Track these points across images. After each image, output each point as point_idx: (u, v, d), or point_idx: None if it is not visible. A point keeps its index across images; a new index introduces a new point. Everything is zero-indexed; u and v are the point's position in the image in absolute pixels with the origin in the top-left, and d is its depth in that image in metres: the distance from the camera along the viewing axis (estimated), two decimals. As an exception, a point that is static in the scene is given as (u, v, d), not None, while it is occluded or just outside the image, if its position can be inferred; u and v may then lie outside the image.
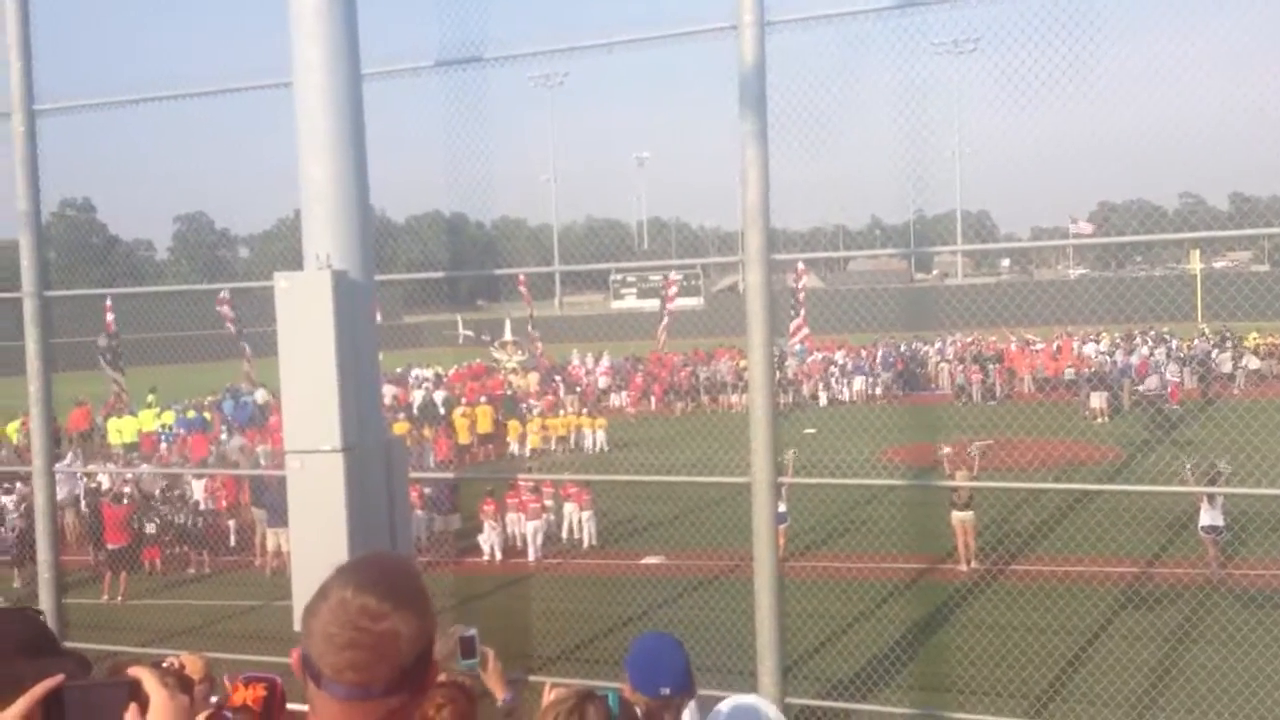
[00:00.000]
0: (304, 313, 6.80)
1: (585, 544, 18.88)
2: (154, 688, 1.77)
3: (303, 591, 7.11)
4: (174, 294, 22.69)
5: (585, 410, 31.99)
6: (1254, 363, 35.08)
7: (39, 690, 1.75)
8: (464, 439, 27.25)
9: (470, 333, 49.11)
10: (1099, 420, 28.33)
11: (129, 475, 19.70)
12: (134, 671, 1.78)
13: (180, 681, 3.14)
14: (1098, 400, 28.97)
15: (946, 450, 18.56)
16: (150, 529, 17.88)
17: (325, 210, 7.05)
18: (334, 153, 6.99)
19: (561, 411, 31.81)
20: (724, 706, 3.65)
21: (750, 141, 7.58)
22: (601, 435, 29.08)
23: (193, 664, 4.28)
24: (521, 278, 15.62)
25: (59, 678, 1.77)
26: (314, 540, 6.81)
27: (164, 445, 27.73)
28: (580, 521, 19.03)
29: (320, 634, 1.77)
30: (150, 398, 31.81)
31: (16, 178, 9.41)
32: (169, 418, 30.30)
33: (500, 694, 3.96)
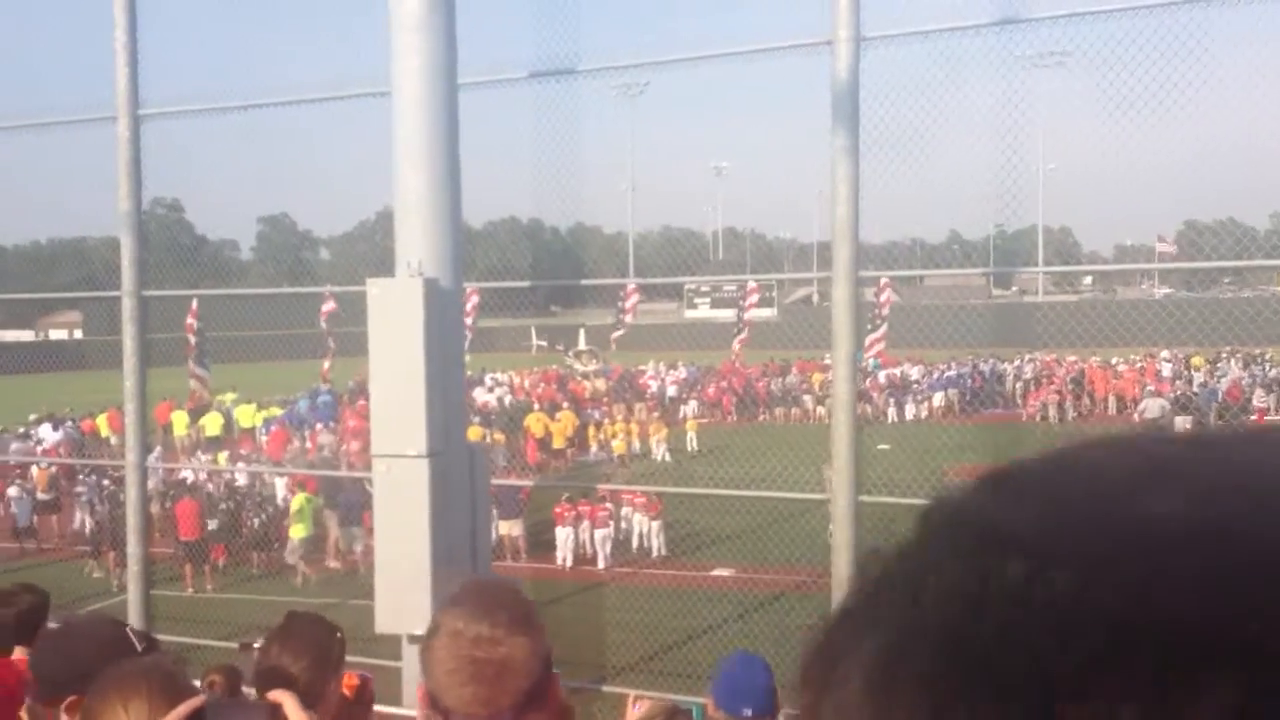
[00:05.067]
0: (395, 319, 6.90)
1: (655, 554, 18.89)
2: (294, 711, 1.81)
3: (385, 592, 7.23)
4: (255, 294, 23.22)
5: (656, 417, 32.05)
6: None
7: (182, 710, 1.80)
8: (558, 443, 27.54)
9: (544, 342, 49.32)
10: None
11: (206, 471, 20.19)
12: (275, 696, 1.81)
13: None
14: (1182, 424, 28.24)
15: None
16: (212, 525, 18.12)
17: (418, 218, 7.16)
18: (429, 162, 7.10)
19: (623, 419, 31.90)
20: None
21: (841, 158, 7.54)
22: (663, 446, 28.91)
23: None
24: (631, 287, 15.68)
25: (200, 699, 1.82)
26: (397, 543, 6.91)
27: (264, 440, 28.44)
28: (650, 531, 19.04)
29: (440, 671, 1.83)
30: (231, 395, 32.54)
31: (120, 180, 9.70)
32: (273, 412, 31.09)
33: None
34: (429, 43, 7.06)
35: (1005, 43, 7.96)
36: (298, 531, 17.98)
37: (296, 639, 3.16)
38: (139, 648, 2.23)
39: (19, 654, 3.95)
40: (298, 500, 18.21)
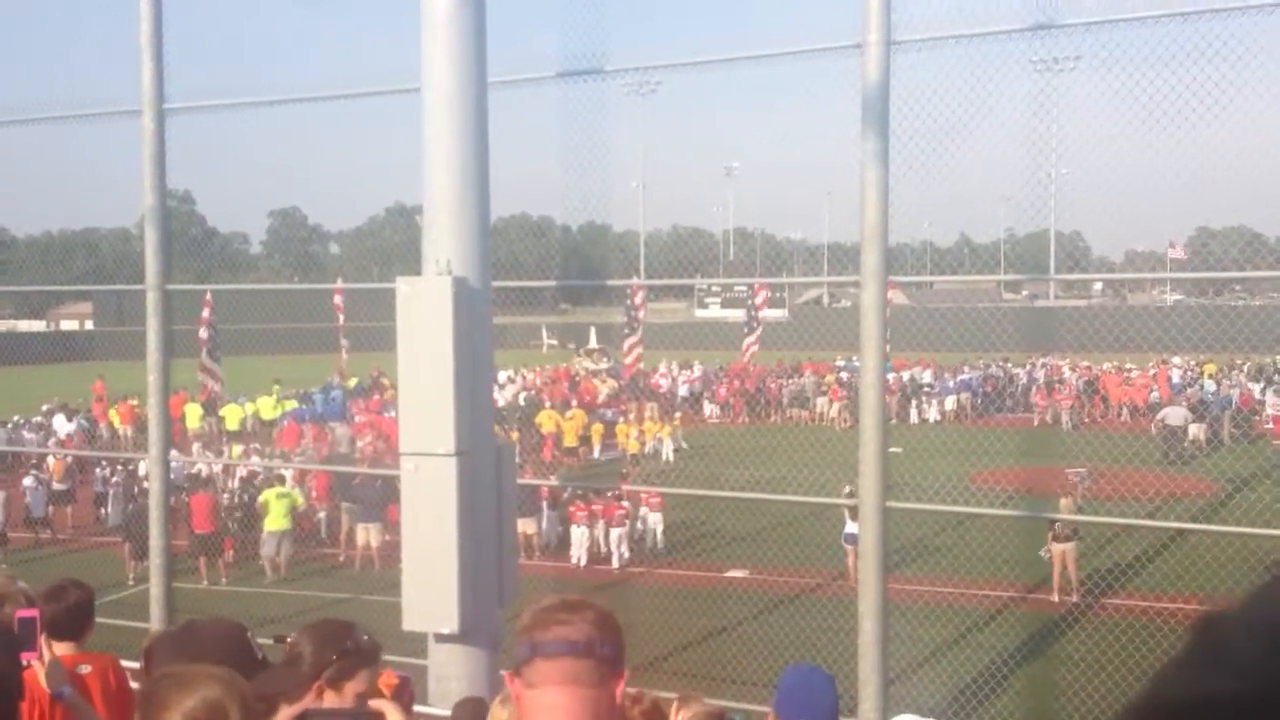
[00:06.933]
0: (424, 317, 6.90)
1: (648, 546, 18.89)
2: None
3: (413, 590, 7.24)
4: (275, 289, 23.29)
5: (649, 417, 32.07)
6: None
7: (283, 718, 1.82)
8: (570, 442, 27.53)
9: (554, 341, 49.35)
10: (1198, 453, 27.49)
11: (219, 464, 20.23)
12: (377, 704, 1.83)
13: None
14: (1196, 430, 28.15)
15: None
16: (224, 519, 18.21)
17: (447, 217, 7.15)
18: (460, 159, 7.10)
19: (631, 417, 31.90)
20: None
21: (871, 162, 7.53)
22: (669, 444, 28.84)
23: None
24: (637, 290, 15.62)
25: (304, 706, 1.83)
26: (425, 541, 6.91)
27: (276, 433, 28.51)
28: (655, 530, 19.07)
29: (528, 619, 1.95)
30: (275, 388, 32.43)
31: (144, 173, 9.72)
32: (289, 405, 31.10)
33: None
34: (460, 38, 7.05)
35: (1025, 48, 7.93)
36: (270, 524, 17.93)
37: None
38: (259, 654, 2.24)
39: (69, 649, 3.98)
40: (265, 495, 18.20)
